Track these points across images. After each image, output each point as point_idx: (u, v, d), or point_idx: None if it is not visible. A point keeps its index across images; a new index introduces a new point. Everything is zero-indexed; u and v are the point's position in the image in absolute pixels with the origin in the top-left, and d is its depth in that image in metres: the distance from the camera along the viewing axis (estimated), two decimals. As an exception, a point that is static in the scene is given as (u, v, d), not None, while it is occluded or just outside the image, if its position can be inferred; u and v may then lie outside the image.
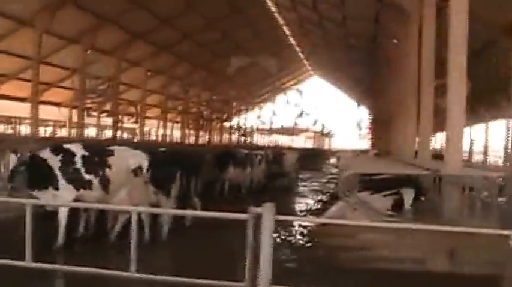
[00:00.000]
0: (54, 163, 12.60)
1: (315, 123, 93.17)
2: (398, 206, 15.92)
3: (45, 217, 12.39)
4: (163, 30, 49.35)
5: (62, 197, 12.43)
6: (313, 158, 51.88)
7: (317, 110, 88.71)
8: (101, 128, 56.59)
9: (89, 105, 45.74)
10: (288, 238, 15.23)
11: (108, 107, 48.32)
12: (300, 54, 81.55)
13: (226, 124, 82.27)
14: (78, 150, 12.95)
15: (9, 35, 37.84)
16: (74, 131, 51.27)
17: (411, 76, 28.43)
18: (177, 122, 68.21)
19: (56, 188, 12.50)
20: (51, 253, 11.85)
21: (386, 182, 16.59)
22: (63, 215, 12.29)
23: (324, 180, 39.98)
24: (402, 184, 16.25)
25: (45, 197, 12.38)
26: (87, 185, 12.70)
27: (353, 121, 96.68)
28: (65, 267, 9.55)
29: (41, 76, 38.61)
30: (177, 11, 47.81)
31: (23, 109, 47.66)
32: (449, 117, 16.36)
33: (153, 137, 61.37)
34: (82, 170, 12.72)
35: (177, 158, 15.33)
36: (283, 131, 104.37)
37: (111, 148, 13.67)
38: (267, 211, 6.98)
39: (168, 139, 61.14)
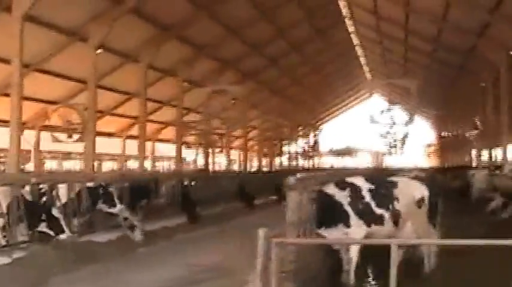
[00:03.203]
0: (342, 199, 11.80)
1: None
2: None
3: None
4: (250, 57, 49.51)
5: (353, 234, 11.56)
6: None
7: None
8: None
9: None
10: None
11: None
12: (366, 73, 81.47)
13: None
14: (363, 183, 12.14)
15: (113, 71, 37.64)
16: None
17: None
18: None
19: (347, 225, 11.67)
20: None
21: None
22: (354, 253, 11.48)
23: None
24: None
25: (332, 235, 11.54)
26: (379, 220, 11.87)
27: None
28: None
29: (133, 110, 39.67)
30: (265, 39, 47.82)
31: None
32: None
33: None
34: (372, 204, 11.91)
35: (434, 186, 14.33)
36: (340, 152, 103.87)
37: (393, 179, 12.86)
38: None
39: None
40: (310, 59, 60.06)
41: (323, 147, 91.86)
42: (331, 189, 12.03)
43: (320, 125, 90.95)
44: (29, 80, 30.86)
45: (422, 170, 36.98)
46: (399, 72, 64.90)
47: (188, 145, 46.68)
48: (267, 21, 44.55)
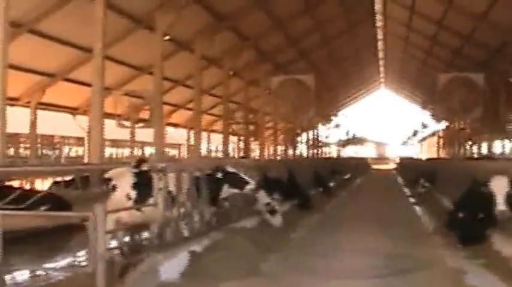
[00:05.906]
0: None
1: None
2: None
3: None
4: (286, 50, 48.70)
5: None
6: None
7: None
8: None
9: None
10: None
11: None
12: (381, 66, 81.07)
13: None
14: None
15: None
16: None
17: None
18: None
19: None
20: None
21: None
22: None
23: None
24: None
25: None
26: None
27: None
28: None
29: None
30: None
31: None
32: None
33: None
34: None
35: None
36: (350, 142, 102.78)
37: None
38: None
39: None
40: (336, 53, 59.04)
41: (333, 137, 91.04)
42: None
43: (333, 116, 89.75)
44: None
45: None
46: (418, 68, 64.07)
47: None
48: (309, 16, 43.89)
